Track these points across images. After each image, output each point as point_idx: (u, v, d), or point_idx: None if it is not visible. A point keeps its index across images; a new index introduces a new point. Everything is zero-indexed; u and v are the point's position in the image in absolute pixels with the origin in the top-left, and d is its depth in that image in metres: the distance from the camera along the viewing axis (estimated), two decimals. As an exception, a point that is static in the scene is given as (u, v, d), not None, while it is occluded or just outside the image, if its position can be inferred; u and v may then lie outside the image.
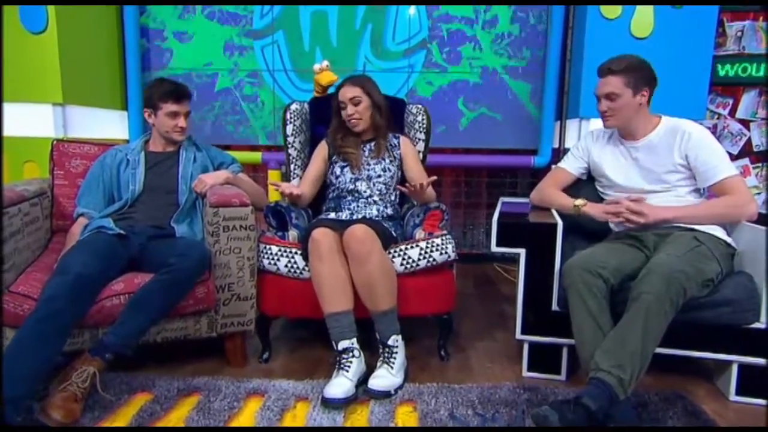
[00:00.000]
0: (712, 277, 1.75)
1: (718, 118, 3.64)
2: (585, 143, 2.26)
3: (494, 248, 1.96)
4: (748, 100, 3.57)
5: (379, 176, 2.34)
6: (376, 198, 2.30)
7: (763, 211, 1.96)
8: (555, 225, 1.91)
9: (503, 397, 1.83)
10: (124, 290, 1.82)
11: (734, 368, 1.86)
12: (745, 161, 3.65)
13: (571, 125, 3.28)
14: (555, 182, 2.27)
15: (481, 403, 1.79)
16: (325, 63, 2.92)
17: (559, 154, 3.40)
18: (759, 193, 3.67)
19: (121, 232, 1.99)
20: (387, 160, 2.37)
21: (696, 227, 1.89)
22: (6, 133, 2.87)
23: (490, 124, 3.56)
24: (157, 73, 3.40)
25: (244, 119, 3.57)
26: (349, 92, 2.29)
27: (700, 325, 1.81)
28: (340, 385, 1.83)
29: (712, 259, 1.78)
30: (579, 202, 2.06)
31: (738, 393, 1.87)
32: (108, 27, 3.36)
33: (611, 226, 2.09)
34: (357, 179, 2.34)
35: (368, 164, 2.36)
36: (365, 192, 2.30)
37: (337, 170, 2.36)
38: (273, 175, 3.31)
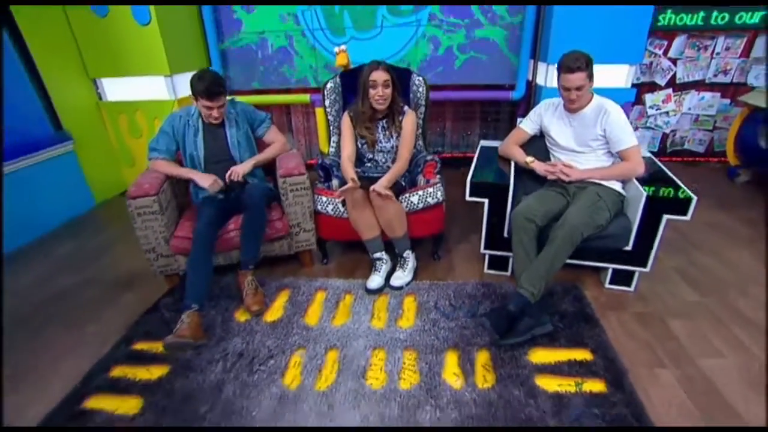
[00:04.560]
0: (603, 224, 2.26)
1: (654, 57, 3.90)
2: (539, 110, 2.60)
3: (468, 198, 2.46)
4: (678, 42, 3.82)
5: (389, 151, 2.70)
6: (390, 164, 2.74)
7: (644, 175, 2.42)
8: (507, 185, 2.41)
9: (468, 292, 2.43)
10: (234, 227, 2.50)
11: (610, 270, 2.49)
12: (669, 91, 3.99)
13: (541, 67, 3.52)
14: (516, 139, 2.67)
15: (455, 297, 2.38)
16: (344, 47, 3.22)
17: (531, 86, 3.66)
18: (676, 114, 4.06)
19: (221, 196, 2.51)
20: (395, 136, 2.65)
21: (603, 183, 2.35)
22: (137, 98, 3.27)
23: (478, 65, 3.79)
24: (230, 40, 3.61)
25: (295, 68, 3.84)
26: (383, 76, 2.49)
27: (593, 248, 2.37)
28: (375, 281, 2.52)
29: (605, 210, 2.26)
30: (529, 159, 2.51)
31: (610, 283, 2.52)
32: (191, 13, 3.56)
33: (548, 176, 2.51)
34: (374, 152, 2.70)
35: (380, 142, 2.65)
36: (382, 161, 2.76)
37: (358, 144, 2.69)
38: (320, 113, 3.57)
